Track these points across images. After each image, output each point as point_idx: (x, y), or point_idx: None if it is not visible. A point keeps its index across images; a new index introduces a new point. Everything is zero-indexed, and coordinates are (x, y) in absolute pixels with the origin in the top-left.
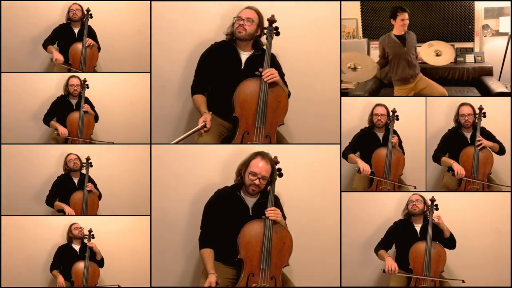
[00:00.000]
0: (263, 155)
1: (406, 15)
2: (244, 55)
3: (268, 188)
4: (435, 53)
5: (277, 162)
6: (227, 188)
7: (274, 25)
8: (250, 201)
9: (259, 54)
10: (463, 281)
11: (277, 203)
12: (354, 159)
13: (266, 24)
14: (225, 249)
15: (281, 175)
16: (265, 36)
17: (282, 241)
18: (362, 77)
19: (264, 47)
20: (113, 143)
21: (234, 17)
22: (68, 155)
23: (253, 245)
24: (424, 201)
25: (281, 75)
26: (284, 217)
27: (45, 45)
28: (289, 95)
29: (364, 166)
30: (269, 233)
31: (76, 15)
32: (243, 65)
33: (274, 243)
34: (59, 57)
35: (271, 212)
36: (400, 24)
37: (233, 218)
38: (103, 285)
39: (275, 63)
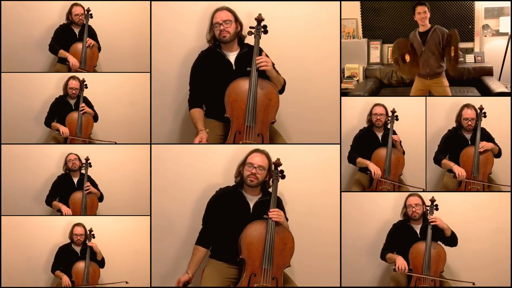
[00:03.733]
0: (259, 150)
1: (421, 8)
2: (233, 56)
3: (271, 188)
4: None
5: (279, 164)
6: (229, 187)
7: (262, 24)
8: (252, 199)
9: (247, 51)
10: (474, 284)
11: (280, 205)
12: (365, 162)
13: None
14: (226, 247)
15: (283, 176)
16: (252, 35)
17: (283, 242)
18: None
19: (245, 41)
20: (114, 143)
21: (211, 23)
22: (68, 155)
23: (255, 246)
24: (423, 202)
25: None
26: (286, 219)
27: (54, 49)
28: (284, 84)
29: (375, 169)
30: (271, 234)
31: (81, 21)
32: (233, 65)
33: (276, 244)
34: (75, 62)
35: (274, 214)
36: (418, 18)
37: (234, 215)
38: (110, 283)
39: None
